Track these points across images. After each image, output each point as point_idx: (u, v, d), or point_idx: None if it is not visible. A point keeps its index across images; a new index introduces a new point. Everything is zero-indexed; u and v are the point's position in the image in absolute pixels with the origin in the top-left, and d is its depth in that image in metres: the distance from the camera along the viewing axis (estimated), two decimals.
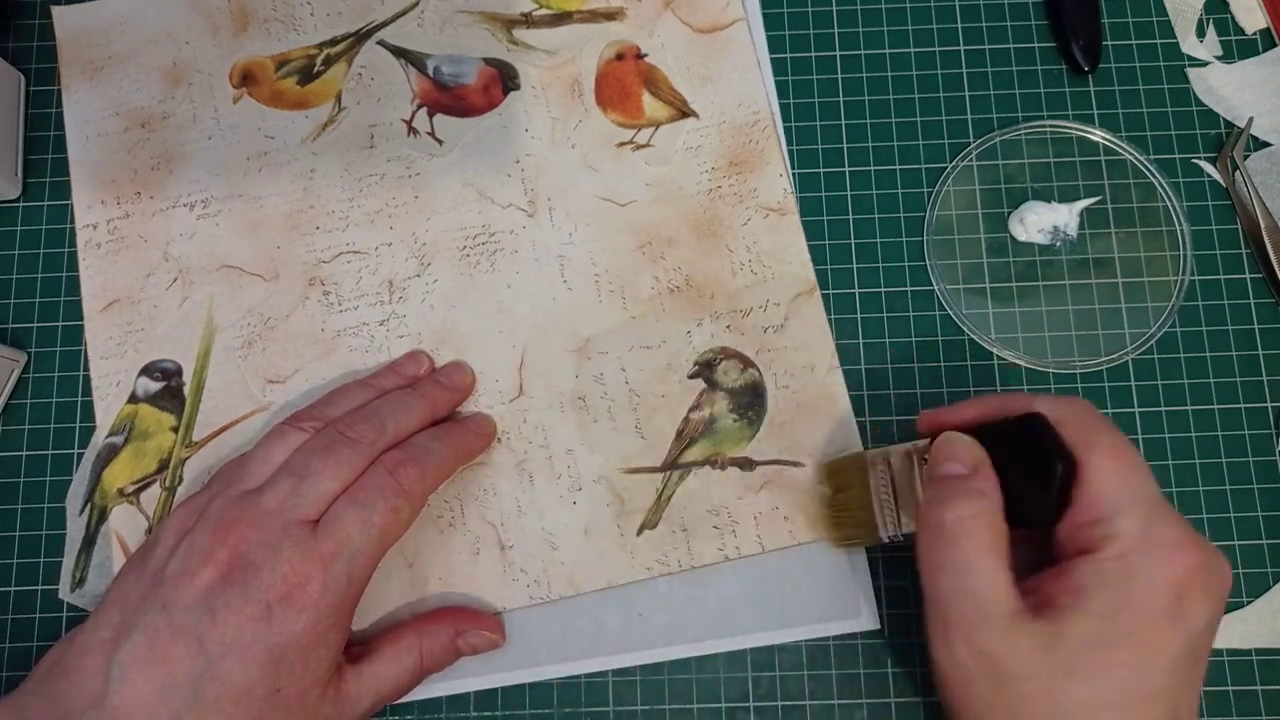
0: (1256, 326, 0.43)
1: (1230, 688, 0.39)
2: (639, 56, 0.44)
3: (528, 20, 0.45)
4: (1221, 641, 0.39)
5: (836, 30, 0.46)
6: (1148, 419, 0.42)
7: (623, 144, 0.44)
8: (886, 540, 0.36)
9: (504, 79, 0.44)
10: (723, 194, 0.43)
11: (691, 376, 0.41)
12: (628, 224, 0.43)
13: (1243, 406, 0.42)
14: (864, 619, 0.39)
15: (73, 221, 0.44)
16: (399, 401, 0.37)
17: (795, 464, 0.40)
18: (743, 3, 0.45)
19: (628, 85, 0.44)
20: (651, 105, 0.44)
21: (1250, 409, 0.42)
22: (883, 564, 0.40)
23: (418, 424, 0.37)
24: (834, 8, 0.46)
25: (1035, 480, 0.31)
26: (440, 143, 0.44)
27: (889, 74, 0.45)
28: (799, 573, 0.40)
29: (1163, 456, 0.41)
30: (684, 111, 0.44)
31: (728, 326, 0.42)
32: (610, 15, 0.45)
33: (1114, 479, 0.30)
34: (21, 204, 0.44)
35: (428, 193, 0.43)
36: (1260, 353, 0.42)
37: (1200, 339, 0.42)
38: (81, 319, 0.42)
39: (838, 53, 0.46)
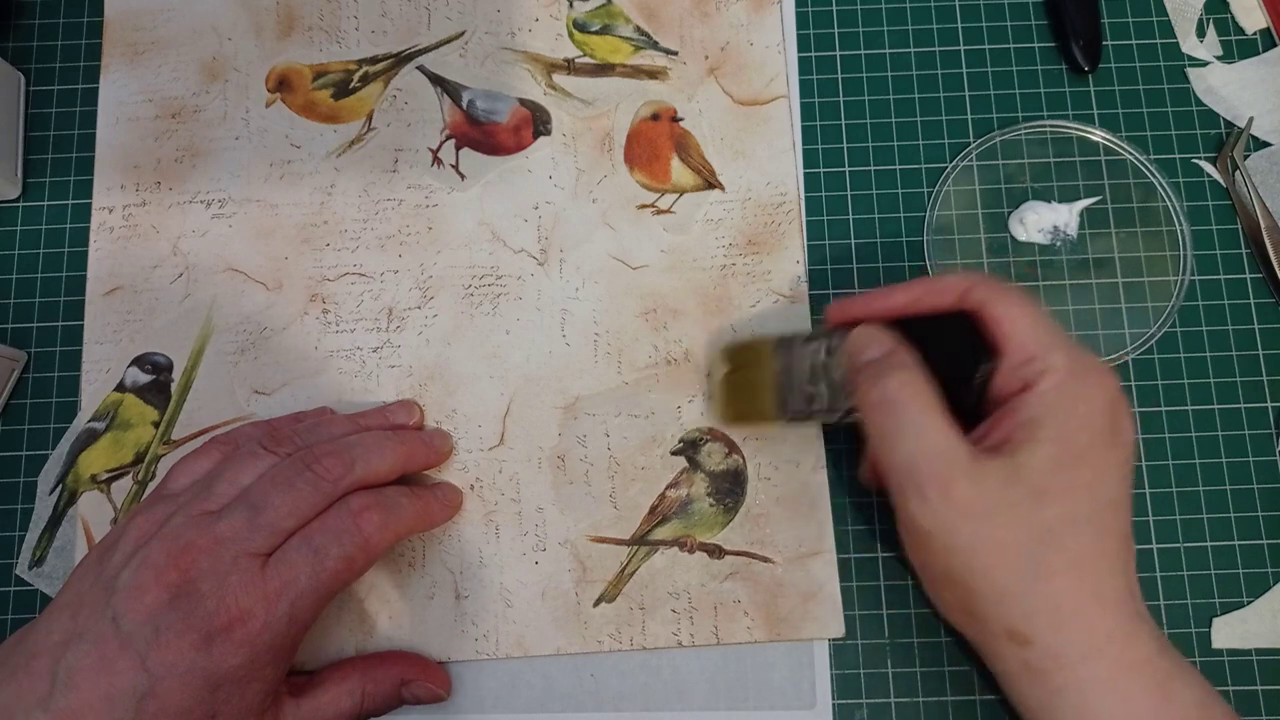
0: (1256, 326, 0.42)
1: (1230, 688, 0.39)
2: (674, 119, 0.44)
3: (569, 66, 0.45)
4: (1221, 641, 0.39)
5: (836, 30, 0.46)
6: (1148, 419, 0.42)
7: (644, 206, 0.43)
8: (786, 420, 0.38)
9: (536, 122, 0.44)
10: (736, 272, 0.42)
11: (674, 453, 0.41)
12: (636, 288, 0.42)
13: (1243, 406, 0.42)
14: (819, 710, 0.39)
15: (73, 221, 0.44)
16: (375, 443, 0.37)
17: (765, 559, 0.40)
18: (787, 80, 0.44)
19: (659, 147, 0.44)
20: (679, 171, 0.43)
21: (1250, 409, 0.42)
22: (834, 651, 0.39)
23: (388, 472, 0.37)
24: (834, 8, 0.46)
25: (955, 355, 0.34)
26: (463, 177, 0.43)
27: (889, 74, 0.45)
28: (759, 657, 0.39)
29: (1163, 456, 0.41)
30: (710, 182, 0.43)
31: None
32: (653, 73, 0.44)
33: (1033, 323, 0.32)
34: (21, 204, 0.44)
35: (442, 226, 0.43)
36: (1260, 353, 0.42)
37: (1200, 339, 0.42)
38: (82, 319, 0.42)
39: (837, 53, 0.45)
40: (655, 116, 0.44)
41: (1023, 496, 0.30)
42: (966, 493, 0.30)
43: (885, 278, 0.43)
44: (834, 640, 0.40)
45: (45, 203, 0.44)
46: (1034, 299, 0.33)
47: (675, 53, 0.45)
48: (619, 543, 0.40)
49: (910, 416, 0.32)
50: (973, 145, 0.44)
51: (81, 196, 0.44)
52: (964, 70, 0.45)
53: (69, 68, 0.46)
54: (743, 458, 0.41)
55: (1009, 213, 0.44)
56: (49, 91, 0.45)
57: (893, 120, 0.45)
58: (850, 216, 0.44)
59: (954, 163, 0.44)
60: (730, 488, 0.40)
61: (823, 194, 0.44)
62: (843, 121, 0.45)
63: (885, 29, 0.46)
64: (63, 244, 0.44)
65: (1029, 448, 0.31)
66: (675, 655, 0.39)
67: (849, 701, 0.39)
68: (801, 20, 0.46)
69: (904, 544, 0.34)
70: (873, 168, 0.44)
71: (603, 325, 0.42)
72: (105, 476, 0.41)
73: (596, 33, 0.45)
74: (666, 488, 0.40)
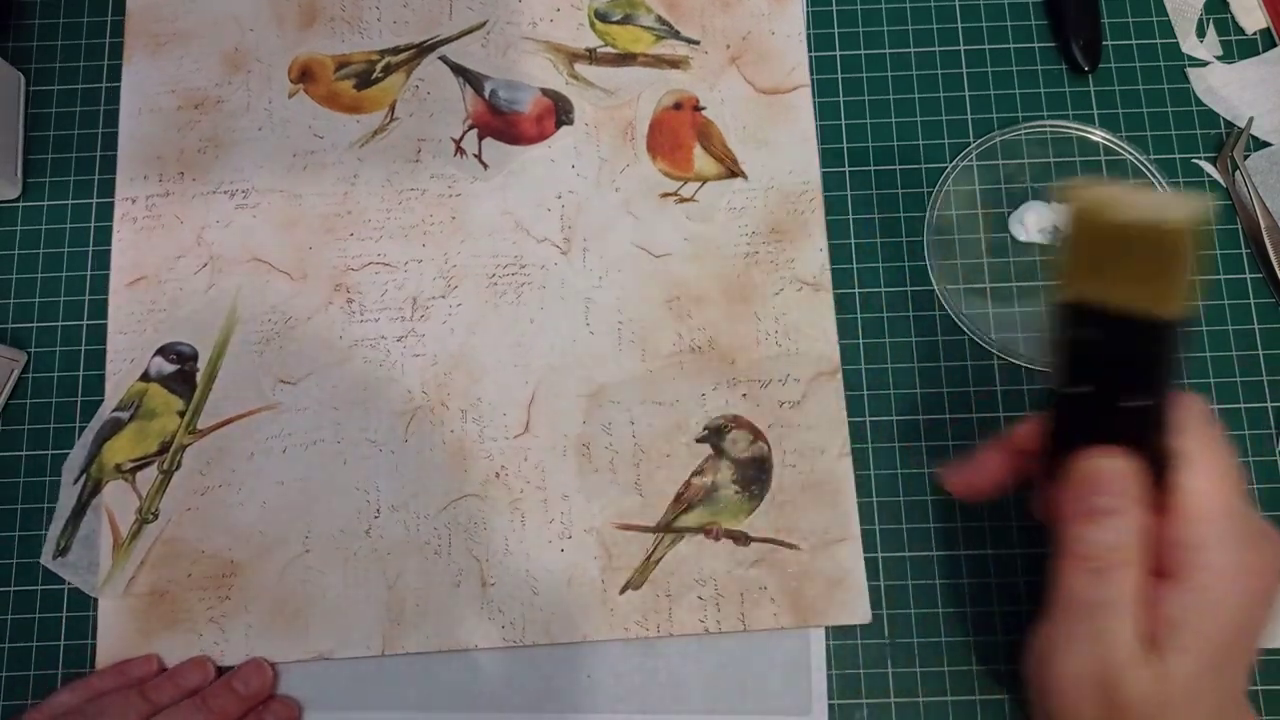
0: (1256, 326, 0.42)
1: None
2: (696, 108, 0.44)
3: (591, 56, 0.45)
4: None
5: (836, 30, 0.46)
6: None
7: (667, 195, 0.43)
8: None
9: (559, 112, 0.44)
10: (759, 260, 0.42)
11: (699, 440, 0.41)
12: (659, 276, 0.42)
13: (1243, 406, 0.42)
14: (815, 716, 0.39)
15: (74, 221, 0.44)
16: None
17: (791, 546, 0.40)
18: (810, 68, 0.44)
19: (681, 136, 0.44)
20: (702, 160, 0.43)
21: (1250, 409, 0.42)
22: (834, 651, 0.39)
23: None
24: (834, 8, 0.46)
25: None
26: (486, 167, 0.44)
27: (889, 74, 0.45)
28: (756, 662, 0.39)
29: None
30: (733, 171, 0.43)
31: (744, 395, 0.41)
32: (675, 63, 0.45)
33: (1208, 493, 0.30)
34: (21, 204, 0.44)
35: (466, 215, 0.43)
36: (1260, 353, 0.42)
37: (1200, 339, 0.42)
38: (83, 319, 0.43)
39: (837, 53, 0.45)
40: (678, 105, 0.44)
41: (1158, 702, 0.30)
42: (1124, 686, 0.30)
43: (885, 278, 0.43)
44: (834, 641, 0.39)
45: (45, 203, 0.44)
46: (1227, 448, 0.31)
47: (697, 42, 0.45)
48: (645, 530, 0.40)
49: (1109, 624, 0.30)
50: (973, 145, 0.44)
51: (82, 196, 0.44)
52: (964, 70, 0.45)
53: (69, 68, 0.46)
54: (767, 444, 0.41)
55: (1009, 213, 0.43)
56: (49, 91, 0.45)
57: (893, 120, 0.45)
58: (850, 216, 0.44)
59: (954, 163, 0.44)
60: (755, 475, 0.40)
61: (823, 194, 0.44)
62: (843, 121, 0.45)
63: (885, 29, 0.46)
64: (62, 244, 0.44)
65: (1171, 656, 0.30)
66: (672, 658, 0.39)
67: (849, 702, 0.39)
68: None
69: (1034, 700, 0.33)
70: (873, 168, 0.44)
71: (626, 314, 0.42)
72: (130, 466, 0.41)
73: (618, 22, 0.45)
74: (692, 475, 0.40)
